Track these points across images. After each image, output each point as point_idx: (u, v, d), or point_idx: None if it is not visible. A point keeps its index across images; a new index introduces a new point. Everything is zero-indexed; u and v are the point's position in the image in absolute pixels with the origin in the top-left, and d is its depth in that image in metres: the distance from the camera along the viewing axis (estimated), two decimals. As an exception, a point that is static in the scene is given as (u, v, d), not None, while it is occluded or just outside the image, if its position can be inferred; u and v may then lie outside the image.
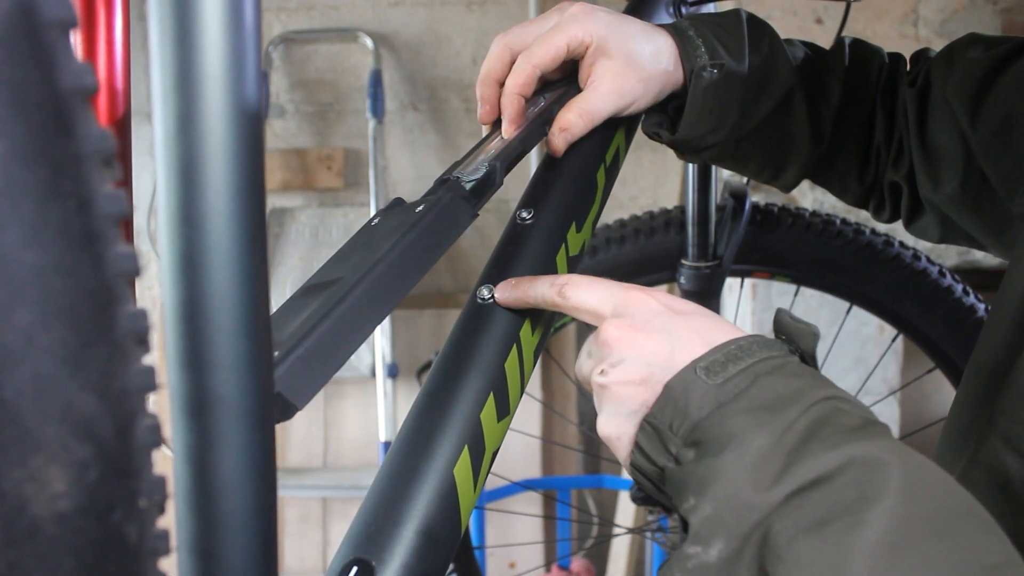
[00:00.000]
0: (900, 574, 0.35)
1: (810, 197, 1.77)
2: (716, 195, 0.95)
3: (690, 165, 0.92)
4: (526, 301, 0.53)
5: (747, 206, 0.95)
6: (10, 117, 0.20)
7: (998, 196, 0.66)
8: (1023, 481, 0.53)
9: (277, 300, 2.07)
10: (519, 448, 2.10)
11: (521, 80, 0.61)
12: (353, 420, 2.22)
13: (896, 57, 0.76)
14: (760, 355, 0.44)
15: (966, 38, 0.71)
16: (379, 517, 0.46)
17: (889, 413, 1.81)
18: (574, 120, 0.61)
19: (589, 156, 0.65)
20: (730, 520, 0.40)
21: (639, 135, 0.73)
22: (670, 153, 0.75)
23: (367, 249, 0.50)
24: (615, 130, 0.67)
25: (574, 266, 0.60)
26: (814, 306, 1.76)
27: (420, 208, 0.53)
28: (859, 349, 1.78)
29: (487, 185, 0.57)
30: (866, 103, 0.74)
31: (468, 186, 0.56)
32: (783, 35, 0.73)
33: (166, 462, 0.33)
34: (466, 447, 0.49)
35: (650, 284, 1.00)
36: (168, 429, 0.31)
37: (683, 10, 0.79)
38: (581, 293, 0.50)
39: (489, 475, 0.52)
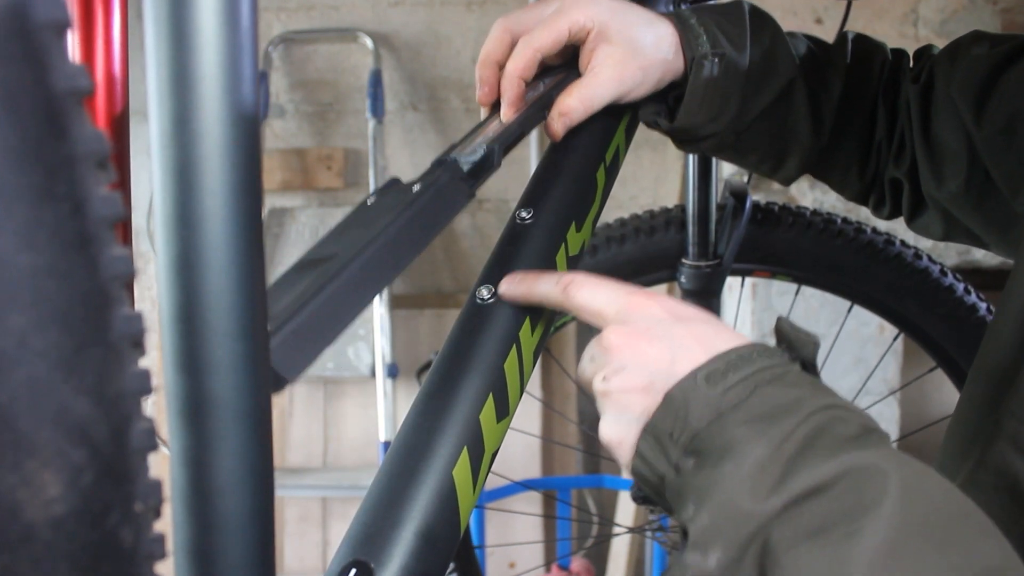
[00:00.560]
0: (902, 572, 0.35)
1: (810, 196, 1.77)
2: (717, 194, 0.95)
3: (690, 164, 0.92)
4: (529, 298, 0.53)
5: (748, 205, 0.94)
6: (3, 119, 0.20)
7: (1002, 194, 0.66)
8: None
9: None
10: (519, 448, 2.10)
11: (522, 63, 0.61)
12: (353, 420, 2.21)
13: (899, 53, 0.75)
14: (760, 364, 0.44)
15: (970, 35, 0.70)
16: (378, 518, 0.45)
17: (889, 413, 1.81)
18: (574, 105, 0.61)
19: (589, 156, 0.64)
20: (728, 529, 0.40)
21: (639, 133, 0.73)
22: (670, 153, 0.75)
23: (362, 227, 0.50)
24: (617, 122, 0.67)
25: (574, 266, 0.60)
26: (814, 306, 1.76)
27: (416, 187, 0.53)
28: (859, 349, 1.78)
29: (485, 167, 0.56)
30: (868, 98, 0.74)
31: (466, 167, 0.56)
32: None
33: (162, 465, 0.33)
34: (465, 448, 0.49)
35: (650, 283, 1.00)
36: (165, 431, 0.31)
37: (683, 6, 0.78)
38: (585, 294, 0.50)
39: (489, 475, 0.52)
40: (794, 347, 0.46)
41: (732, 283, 1.58)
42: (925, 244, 1.74)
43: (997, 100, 0.64)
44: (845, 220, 0.97)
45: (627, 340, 0.47)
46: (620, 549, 2.01)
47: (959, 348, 0.98)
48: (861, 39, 0.76)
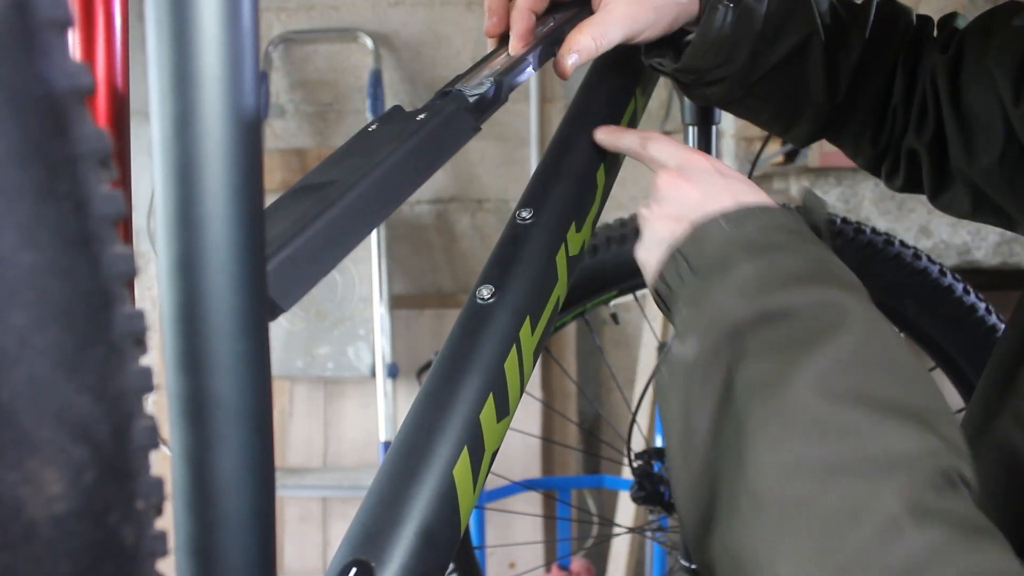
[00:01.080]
0: (843, 390, 0.42)
1: (810, 197, 1.77)
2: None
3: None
4: (617, 145, 0.64)
5: (747, 206, 0.94)
6: (5, 117, 0.20)
7: None
8: None
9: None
10: (519, 448, 2.10)
11: None
12: (353, 420, 2.21)
13: (924, 19, 0.73)
14: (777, 218, 0.52)
15: (1006, 6, 0.67)
16: (378, 518, 0.46)
17: (889, 413, 1.80)
18: (585, 42, 0.60)
19: (589, 156, 0.64)
20: (708, 322, 0.48)
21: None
22: (676, 85, 0.73)
23: (363, 154, 0.49)
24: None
25: (574, 266, 0.60)
26: (814, 306, 1.76)
27: (421, 116, 0.51)
28: (859, 349, 1.77)
29: (492, 100, 0.56)
30: (887, 61, 0.71)
31: (472, 99, 0.55)
32: None
33: (164, 463, 0.33)
34: (465, 448, 0.49)
35: (650, 284, 1.00)
36: (166, 430, 0.31)
37: None
38: (655, 147, 0.61)
39: (489, 475, 0.52)
40: (810, 213, 0.55)
41: (732, 283, 1.57)
42: (925, 244, 1.74)
43: None
44: (845, 220, 0.97)
45: (673, 180, 0.56)
46: (620, 549, 2.01)
47: (959, 348, 0.98)
48: (887, 2, 0.73)
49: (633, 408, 1.32)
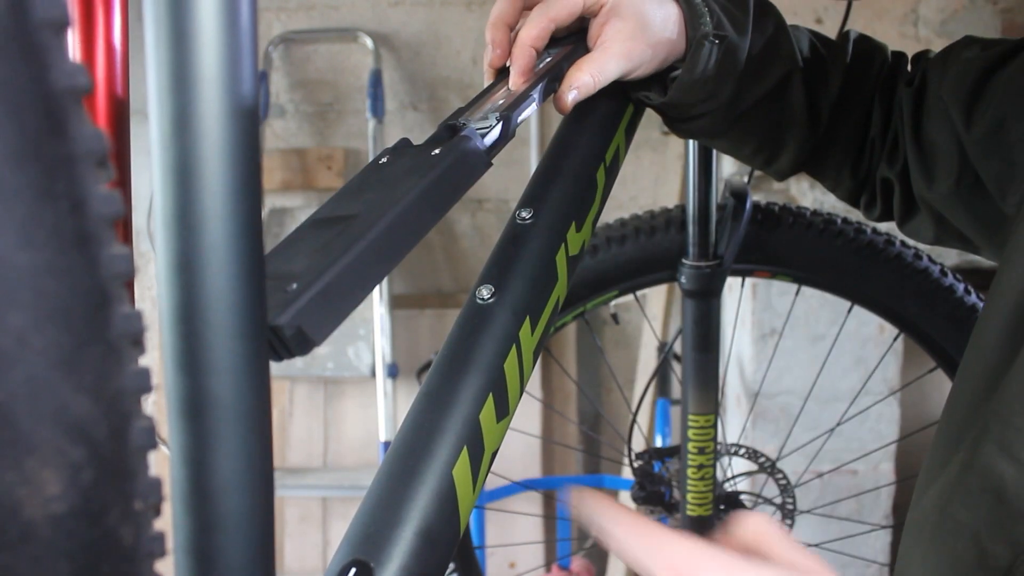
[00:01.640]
0: None
1: (810, 196, 1.77)
2: (717, 194, 0.95)
3: (691, 164, 0.92)
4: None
5: (748, 205, 0.94)
6: (2, 117, 0.20)
7: (991, 195, 0.66)
8: (1017, 487, 0.53)
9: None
10: (519, 448, 2.10)
11: (535, 32, 0.61)
12: (353, 420, 2.21)
13: (899, 55, 0.76)
14: None
15: (963, 40, 0.71)
16: (377, 518, 0.45)
17: (889, 413, 1.81)
18: (584, 79, 0.61)
19: (589, 156, 0.64)
20: None
21: (639, 133, 0.73)
22: (670, 153, 0.75)
23: (381, 188, 0.50)
24: (618, 121, 0.66)
25: (574, 266, 0.60)
26: (814, 306, 1.76)
27: (436, 152, 0.52)
28: (859, 349, 1.78)
29: (501, 136, 0.56)
30: (865, 96, 0.75)
31: (482, 135, 0.55)
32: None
33: (162, 463, 0.33)
34: (465, 448, 0.49)
35: (650, 283, 1.00)
36: (165, 430, 0.31)
37: None
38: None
39: (489, 475, 0.52)
40: None
41: (732, 283, 1.58)
42: (924, 245, 1.74)
43: (986, 103, 0.65)
44: (845, 220, 0.97)
45: None
46: (620, 549, 2.01)
47: (959, 348, 0.98)
48: (863, 40, 0.77)
49: (633, 408, 1.32)
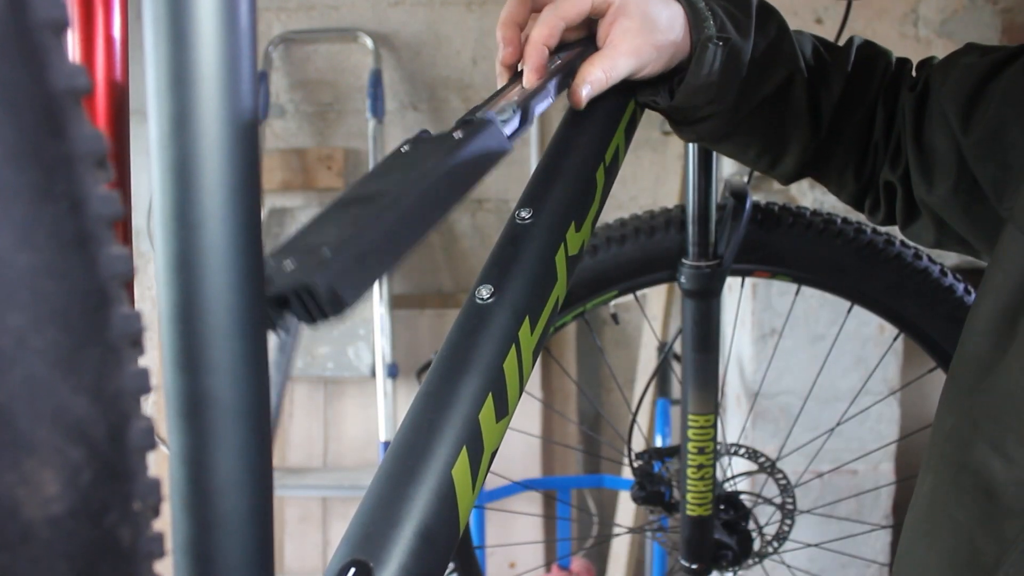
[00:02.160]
0: None
1: (810, 196, 1.77)
2: (717, 194, 0.95)
3: (691, 164, 0.92)
4: None
5: (748, 205, 0.94)
6: (1, 118, 0.20)
7: (988, 199, 0.67)
8: (1007, 486, 0.54)
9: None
10: (519, 448, 2.10)
11: (547, 31, 0.62)
12: (353, 420, 2.21)
13: (903, 61, 0.77)
14: None
15: (964, 47, 0.72)
16: (377, 518, 0.45)
17: (889, 413, 1.81)
18: (597, 75, 0.62)
19: (589, 156, 0.64)
20: None
21: (639, 133, 0.73)
22: (670, 153, 0.75)
23: (407, 168, 0.51)
24: (617, 121, 0.67)
25: (574, 266, 0.60)
26: (814, 306, 1.76)
27: (458, 134, 0.53)
28: (859, 349, 1.78)
29: (521, 123, 0.57)
30: (868, 101, 0.75)
31: (503, 121, 0.56)
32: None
33: (161, 463, 0.33)
34: (464, 448, 0.49)
35: (650, 283, 1.00)
36: (164, 430, 0.31)
37: None
38: None
39: (489, 475, 0.52)
40: None
41: (732, 283, 1.57)
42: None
43: (983, 108, 0.66)
44: (845, 220, 0.97)
45: None
46: (620, 549, 2.01)
47: (959, 348, 0.98)
48: (866, 45, 0.77)
49: (633, 408, 1.32)
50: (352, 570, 0.43)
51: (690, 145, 0.91)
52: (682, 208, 0.96)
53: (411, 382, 2.15)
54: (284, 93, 2.24)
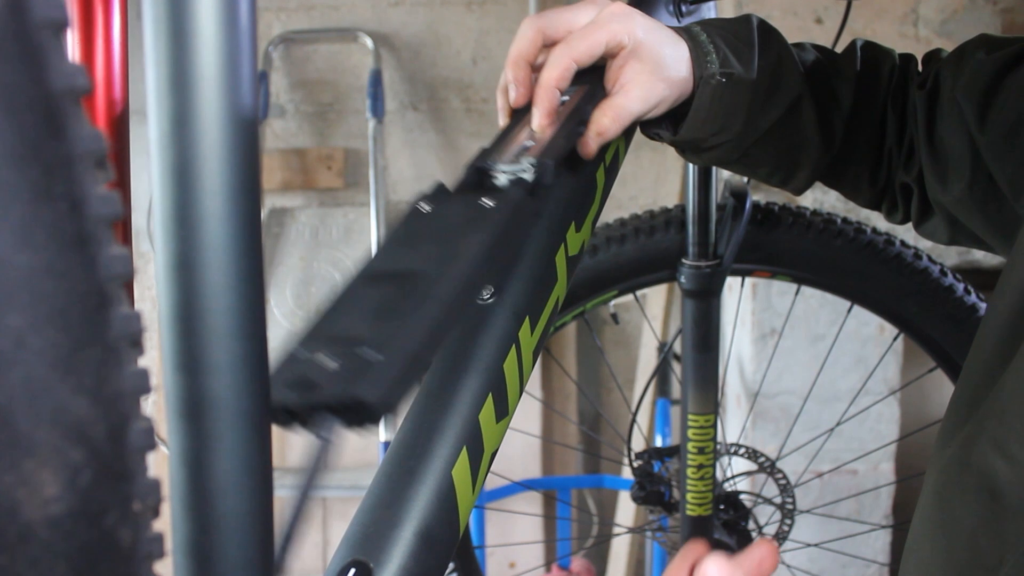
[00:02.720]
0: None
1: (810, 196, 1.77)
2: (717, 194, 0.95)
3: (691, 164, 0.92)
4: None
5: (748, 205, 0.94)
6: (1, 118, 0.20)
7: (1005, 197, 0.66)
8: (1010, 485, 0.53)
9: (277, 301, 2.06)
10: (519, 448, 2.10)
11: (557, 73, 0.60)
12: (353, 420, 2.21)
13: (907, 58, 0.76)
14: None
15: (976, 39, 0.70)
16: (377, 519, 0.45)
17: (889, 413, 1.81)
18: (608, 124, 0.61)
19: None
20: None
21: (638, 136, 0.73)
22: (670, 152, 0.75)
23: (438, 242, 0.47)
24: None
25: (574, 266, 0.60)
26: (814, 306, 1.76)
27: (488, 203, 0.50)
28: (859, 349, 1.78)
29: (540, 185, 0.54)
30: (877, 106, 0.74)
31: (526, 177, 0.54)
32: (783, 35, 0.72)
33: (161, 464, 0.33)
34: (464, 448, 0.49)
35: (650, 283, 1.00)
36: (164, 431, 0.31)
37: (683, 8, 0.78)
38: None
39: (489, 474, 0.52)
40: None
41: (732, 283, 1.57)
42: (925, 244, 1.73)
43: (1000, 104, 0.64)
44: (845, 220, 0.97)
45: None
46: (620, 549, 2.01)
47: (959, 348, 0.98)
48: (869, 47, 0.76)
49: (633, 408, 1.32)
50: (352, 571, 0.43)
51: (690, 145, 0.91)
52: (682, 208, 0.96)
53: (411, 382, 2.14)
54: (284, 93, 2.24)
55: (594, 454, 2.31)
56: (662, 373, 1.95)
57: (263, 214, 2.06)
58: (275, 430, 0.33)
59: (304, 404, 0.35)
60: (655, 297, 2.03)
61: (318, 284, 2.15)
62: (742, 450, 1.20)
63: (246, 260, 0.30)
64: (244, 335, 0.30)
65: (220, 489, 0.30)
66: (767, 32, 0.70)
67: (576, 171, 0.63)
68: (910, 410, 1.85)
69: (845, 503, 1.80)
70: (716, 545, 1.10)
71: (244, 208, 0.29)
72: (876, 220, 1.69)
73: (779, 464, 1.20)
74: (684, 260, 0.95)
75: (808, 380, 1.75)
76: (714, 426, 1.02)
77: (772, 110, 0.69)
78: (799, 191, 0.79)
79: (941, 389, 1.49)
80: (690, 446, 1.02)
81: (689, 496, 1.05)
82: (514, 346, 0.53)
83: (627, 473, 1.91)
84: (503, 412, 0.52)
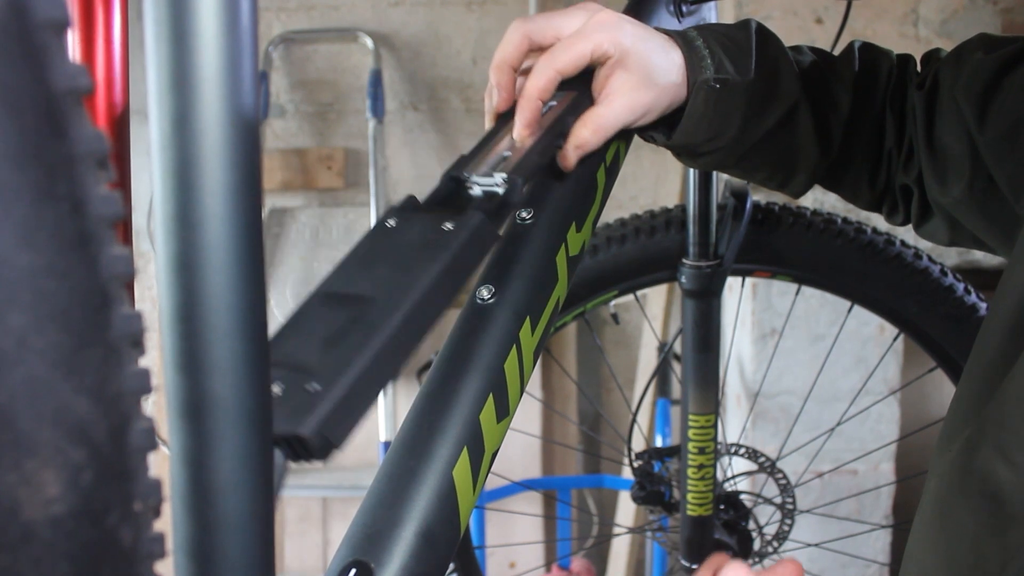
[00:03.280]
0: None
1: (810, 196, 1.77)
2: (717, 194, 0.95)
3: (690, 165, 0.92)
4: None
5: (748, 205, 0.94)
6: (2, 118, 0.20)
7: (1005, 198, 0.65)
8: (1013, 491, 0.53)
9: (277, 301, 2.06)
10: (519, 448, 2.10)
11: (542, 84, 0.59)
12: (353, 420, 2.21)
13: (905, 58, 0.75)
14: None
15: (975, 39, 0.70)
16: (378, 519, 0.45)
17: (889, 413, 1.81)
18: (588, 137, 0.60)
19: (589, 156, 0.64)
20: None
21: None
22: (670, 154, 0.75)
23: (393, 265, 0.48)
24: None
25: (574, 266, 0.60)
26: (814, 306, 1.76)
27: (448, 227, 0.50)
28: (859, 349, 1.78)
29: (509, 202, 0.54)
30: (875, 108, 0.73)
31: (490, 199, 0.54)
32: (783, 35, 0.72)
33: (162, 464, 0.33)
34: (465, 448, 0.49)
35: (651, 283, 1.00)
36: (165, 431, 0.31)
37: (683, 8, 0.78)
38: None
39: (489, 475, 0.52)
40: None
41: (732, 283, 1.57)
42: (925, 244, 1.73)
43: (1000, 104, 0.64)
44: (845, 220, 0.97)
45: None
46: (620, 549, 2.01)
47: (959, 348, 0.98)
48: (867, 48, 0.75)
49: (633, 408, 1.32)
50: (353, 571, 0.43)
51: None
52: (682, 208, 0.96)
53: (411, 382, 2.15)
54: (284, 93, 2.24)
55: (594, 454, 2.31)
56: (662, 373, 1.95)
57: (263, 214, 2.05)
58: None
59: None
60: (655, 297, 2.03)
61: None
62: (742, 450, 1.20)
63: (247, 260, 0.30)
64: (245, 335, 0.30)
65: (221, 489, 0.30)
66: (765, 38, 0.69)
67: (574, 172, 0.63)
68: (910, 410, 1.85)
69: (845, 503, 1.80)
70: (716, 545, 1.10)
71: (245, 208, 0.29)
72: (876, 220, 1.69)
73: (779, 464, 1.20)
74: (684, 260, 0.95)
75: (808, 380, 1.75)
76: (714, 426, 1.02)
77: (768, 117, 0.69)
78: (798, 195, 0.78)
79: (941, 389, 1.49)
80: (690, 446, 1.02)
81: (689, 496, 1.05)
82: (515, 346, 0.53)
83: (627, 473, 1.91)
84: (504, 412, 0.52)
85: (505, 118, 0.62)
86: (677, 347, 1.30)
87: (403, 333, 0.43)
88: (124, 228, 0.40)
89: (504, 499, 1.95)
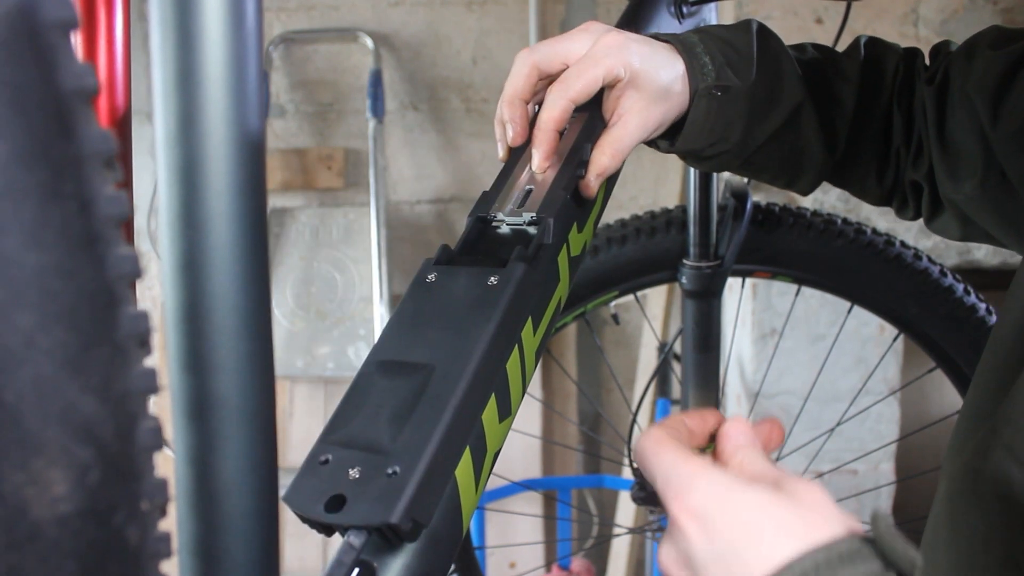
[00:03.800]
0: None
1: (810, 197, 1.77)
2: (717, 195, 0.95)
3: (691, 165, 0.92)
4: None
5: (748, 206, 0.94)
6: (11, 118, 0.20)
7: (1018, 194, 0.65)
8: None
9: (277, 301, 2.05)
10: (519, 448, 2.10)
11: (557, 115, 0.59)
12: (353, 420, 2.21)
13: (913, 52, 0.74)
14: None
15: (989, 32, 0.69)
16: (380, 518, 0.45)
17: (889, 413, 1.81)
18: (608, 163, 0.60)
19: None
20: None
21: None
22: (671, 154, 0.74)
23: (445, 328, 0.48)
24: None
25: (576, 266, 0.60)
26: (814, 306, 1.76)
27: (493, 281, 0.51)
28: (859, 349, 1.78)
29: (542, 246, 0.55)
30: (882, 105, 0.73)
31: (515, 232, 0.54)
32: (783, 35, 0.72)
33: (168, 464, 0.33)
34: (468, 448, 0.49)
35: (651, 284, 1.00)
36: (170, 431, 0.31)
37: (684, 9, 0.78)
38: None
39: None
40: (890, 558, 0.39)
41: (733, 284, 1.58)
42: (925, 244, 1.74)
43: (1014, 98, 0.63)
44: (845, 221, 0.97)
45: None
46: (620, 549, 2.01)
47: (959, 348, 0.98)
48: (873, 43, 0.74)
49: (633, 408, 1.32)
50: (356, 570, 0.43)
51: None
52: (683, 209, 0.96)
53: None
54: (284, 93, 2.24)
55: (594, 454, 2.31)
56: (662, 373, 1.95)
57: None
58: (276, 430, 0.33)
59: (335, 524, 0.38)
60: (655, 297, 2.03)
61: (318, 284, 2.15)
62: (742, 450, 1.20)
63: (251, 261, 0.30)
64: (249, 335, 0.30)
65: (225, 488, 0.30)
66: (766, 40, 0.69)
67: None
68: (910, 410, 1.85)
69: (845, 503, 1.80)
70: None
71: (249, 209, 0.29)
72: (876, 220, 1.69)
73: (779, 464, 1.20)
74: (685, 261, 0.96)
75: (808, 380, 1.75)
76: (715, 426, 1.02)
77: (771, 119, 0.68)
78: (805, 192, 0.78)
79: (941, 389, 1.49)
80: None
81: (690, 496, 1.05)
82: (517, 346, 0.53)
83: (627, 473, 1.91)
84: (506, 412, 0.52)
85: (520, 149, 0.62)
86: (677, 347, 1.30)
87: (470, 399, 0.45)
88: (127, 229, 0.40)
89: (504, 499, 1.95)
